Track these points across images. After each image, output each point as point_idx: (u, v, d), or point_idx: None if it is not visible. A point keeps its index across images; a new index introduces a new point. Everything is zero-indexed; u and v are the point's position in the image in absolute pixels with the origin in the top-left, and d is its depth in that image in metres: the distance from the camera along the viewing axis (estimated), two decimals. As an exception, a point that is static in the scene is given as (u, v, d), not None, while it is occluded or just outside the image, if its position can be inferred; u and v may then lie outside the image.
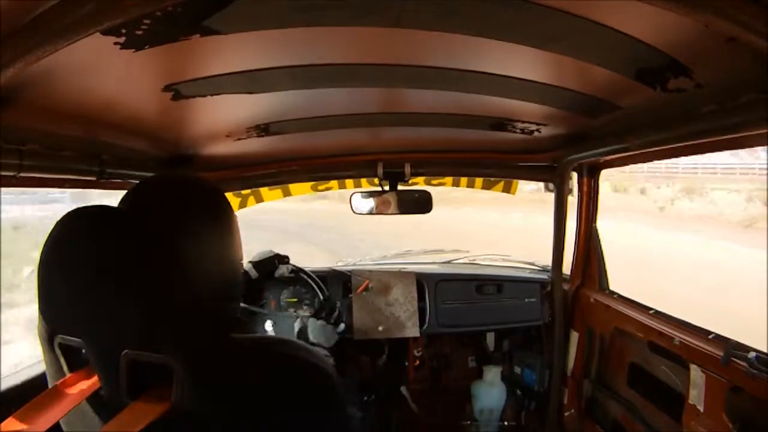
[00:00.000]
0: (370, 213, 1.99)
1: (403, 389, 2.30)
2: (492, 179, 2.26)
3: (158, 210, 0.72)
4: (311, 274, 1.98)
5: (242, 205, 2.23)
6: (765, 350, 1.17)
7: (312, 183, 2.16)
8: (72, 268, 0.65)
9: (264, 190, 2.23)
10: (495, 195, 2.39)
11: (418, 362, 2.30)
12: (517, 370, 2.37)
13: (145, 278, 0.66)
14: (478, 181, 2.27)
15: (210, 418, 0.68)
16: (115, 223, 0.69)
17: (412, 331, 2.16)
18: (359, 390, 2.20)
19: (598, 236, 2.01)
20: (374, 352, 2.28)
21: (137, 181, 1.29)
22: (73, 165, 1.19)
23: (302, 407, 0.72)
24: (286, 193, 2.24)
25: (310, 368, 0.75)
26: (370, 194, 1.97)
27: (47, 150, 1.07)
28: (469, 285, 2.24)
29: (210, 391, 0.69)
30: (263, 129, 1.41)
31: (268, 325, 1.87)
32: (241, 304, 1.75)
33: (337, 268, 2.24)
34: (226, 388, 0.70)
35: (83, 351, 0.66)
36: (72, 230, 0.67)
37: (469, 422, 2.34)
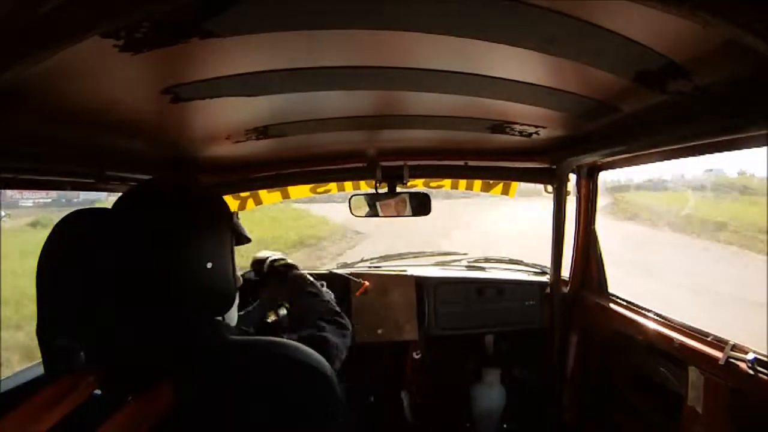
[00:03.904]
0: (369, 215, 1.99)
1: (402, 394, 2.29)
2: (491, 181, 2.27)
3: (155, 213, 0.73)
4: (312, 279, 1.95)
5: (241, 207, 2.23)
6: (764, 352, 1.18)
7: (311, 185, 2.16)
8: (71, 269, 0.65)
9: (263, 193, 2.23)
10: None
11: (417, 365, 2.30)
12: (517, 372, 2.37)
13: (144, 280, 0.66)
14: (477, 183, 2.27)
15: (208, 418, 0.68)
16: (114, 226, 0.69)
17: (411, 334, 2.16)
18: (359, 393, 2.19)
19: (596, 238, 2.01)
20: (372, 356, 2.27)
21: (136, 183, 1.29)
22: (72, 167, 1.19)
23: (301, 407, 0.72)
24: (285, 196, 2.24)
25: (308, 369, 0.75)
26: (369, 196, 1.97)
27: (47, 152, 1.07)
28: (468, 288, 2.24)
29: (209, 390, 0.69)
30: (262, 131, 1.40)
31: None
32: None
33: (336, 271, 2.24)
34: (224, 388, 0.70)
35: (82, 352, 0.66)
36: (71, 233, 0.68)
37: (468, 424, 2.34)
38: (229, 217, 0.82)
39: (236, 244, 0.86)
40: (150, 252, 0.68)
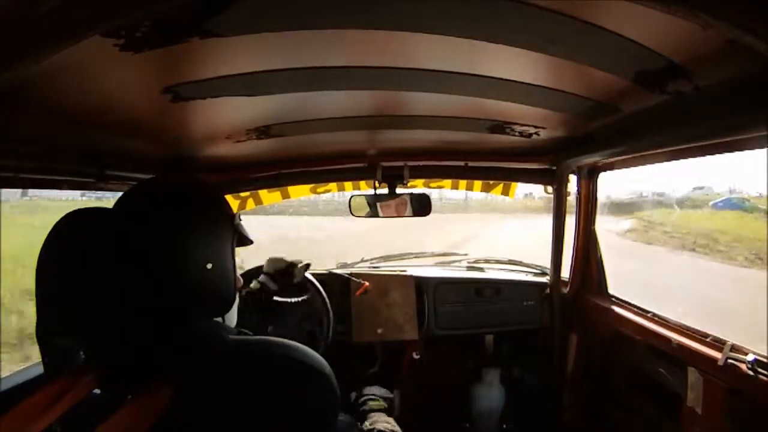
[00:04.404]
0: (369, 215, 1.99)
1: (395, 393, 2.29)
2: (491, 182, 2.27)
3: (155, 213, 0.73)
4: (312, 279, 1.97)
5: (241, 207, 2.23)
6: (764, 353, 1.18)
7: (311, 185, 2.16)
8: (70, 269, 0.65)
9: (263, 192, 2.23)
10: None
11: (416, 365, 2.30)
12: (517, 372, 2.37)
13: (143, 280, 0.66)
14: (477, 183, 2.27)
15: (208, 418, 0.68)
16: (114, 226, 0.69)
17: (411, 333, 2.16)
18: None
19: (596, 239, 2.01)
20: (368, 355, 2.27)
21: (136, 183, 1.29)
22: (72, 166, 1.19)
23: (301, 407, 0.72)
24: (285, 195, 2.24)
25: (308, 369, 0.75)
26: (369, 197, 1.97)
27: (47, 151, 1.07)
28: (468, 288, 2.24)
29: (208, 390, 0.69)
30: (263, 131, 1.41)
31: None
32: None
33: (336, 271, 2.24)
34: (224, 388, 0.70)
35: (81, 351, 0.66)
36: (71, 233, 0.68)
37: (468, 424, 2.33)
38: (231, 218, 0.82)
39: (238, 245, 0.86)
40: (150, 252, 0.68)
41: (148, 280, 0.67)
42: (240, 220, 0.85)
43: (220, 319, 0.84)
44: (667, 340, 1.47)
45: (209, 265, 0.74)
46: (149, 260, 0.68)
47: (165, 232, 0.71)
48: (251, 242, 0.91)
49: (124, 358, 0.68)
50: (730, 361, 1.22)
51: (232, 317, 0.89)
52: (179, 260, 0.71)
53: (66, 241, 0.67)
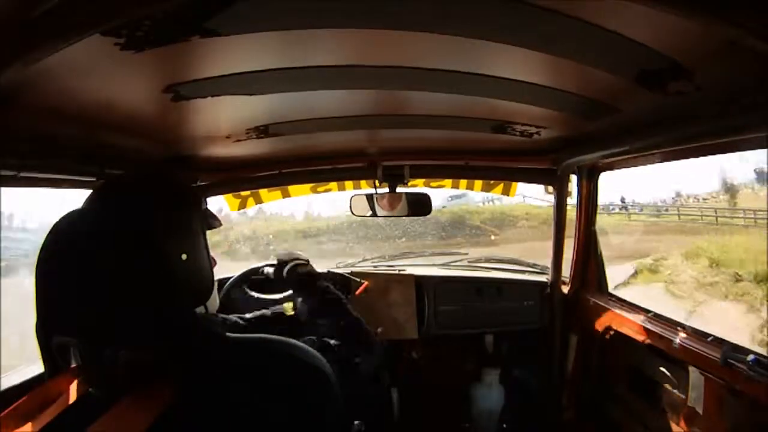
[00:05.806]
0: (369, 215, 1.99)
1: (393, 391, 2.29)
2: (491, 182, 2.27)
3: (124, 211, 0.73)
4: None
5: (242, 206, 2.23)
6: (764, 353, 1.18)
7: (311, 184, 2.16)
8: (68, 269, 0.64)
9: (263, 192, 2.23)
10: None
11: (416, 364, 2.30)
12: (516, 372, 2.37)
13: (140, 278, 0.66)
14: (478, 183, 2.27)
15: (206, 417, 0.68)
16: (111, 226, 0.69)
17: (411, 333, 2.16)
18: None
19: (596, 239, 2.01)
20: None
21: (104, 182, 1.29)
22: (72, 165, 1.19)
23: (300, 405, 0.72)
24: (286, 195, 2.24)
25: (307, 367, 0.75)
26: (370, 196, 1.97)
27: (47, 150, 1.08)
28: (468, 287, 2.24)
29: (207, 389, 0.69)
30: (263, 130, 1.41)
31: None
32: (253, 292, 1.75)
33: (335, 270, 2.24)
34: (223, 387, 0.69)
35: (80, 350, 0.66)
36: (69, 232, 0.67)
37: (467, 424, 2.33)
38: (198, 206, 0.82)
39: (207, 229, 0.86)
40: (125, 250, 0.67)
41: (126, 277, 0.66)
42: (206, 204, 0.86)
43: (202, 308, 0.85)
44: (668, 339, 1.47)
45: (184, 256, 0.76)
46: (123, 257, 0.67)
47: (136, 230, 0.70)
48: (220, 224, 0.92)
49: (122, 357, 0.68)
50: (730, 360, 1.22)
51: (213, 303, 0.90)
52: (154, 256, 0.70)
53: (66, 240, 0.67)
